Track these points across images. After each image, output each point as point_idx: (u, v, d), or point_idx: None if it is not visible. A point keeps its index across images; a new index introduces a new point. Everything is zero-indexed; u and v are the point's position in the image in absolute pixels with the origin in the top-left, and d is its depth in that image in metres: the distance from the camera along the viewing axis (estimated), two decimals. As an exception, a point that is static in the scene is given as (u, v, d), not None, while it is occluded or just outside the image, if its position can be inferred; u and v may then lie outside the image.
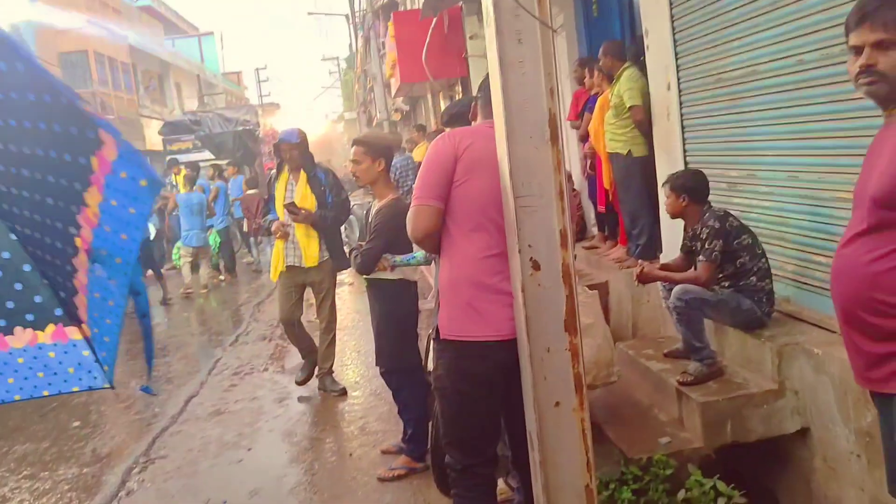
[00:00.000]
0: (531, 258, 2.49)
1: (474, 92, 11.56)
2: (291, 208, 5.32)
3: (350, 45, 47.59)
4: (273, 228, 5.57)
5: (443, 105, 17.53)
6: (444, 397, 2.75)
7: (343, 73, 60.43)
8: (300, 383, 5.84)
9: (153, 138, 26.42)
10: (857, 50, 1.97)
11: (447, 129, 5.69)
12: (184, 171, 12.44)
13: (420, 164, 9.51)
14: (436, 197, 2.63)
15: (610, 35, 7.57)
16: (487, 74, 3.00)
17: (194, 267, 11.24)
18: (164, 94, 33.59)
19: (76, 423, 5.71)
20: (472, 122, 3.02)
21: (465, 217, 2.63)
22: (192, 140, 21.88)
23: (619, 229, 6.51)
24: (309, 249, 5.46)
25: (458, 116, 3.72)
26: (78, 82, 24.00)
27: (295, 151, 5.51)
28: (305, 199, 5.44)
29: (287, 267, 5.56)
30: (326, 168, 5.87)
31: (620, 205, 6.27)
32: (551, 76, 2.46)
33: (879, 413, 2.09)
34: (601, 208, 6.74)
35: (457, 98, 15.45)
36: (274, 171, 5.83)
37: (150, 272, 11.46)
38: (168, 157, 20.64)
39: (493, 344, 2.59)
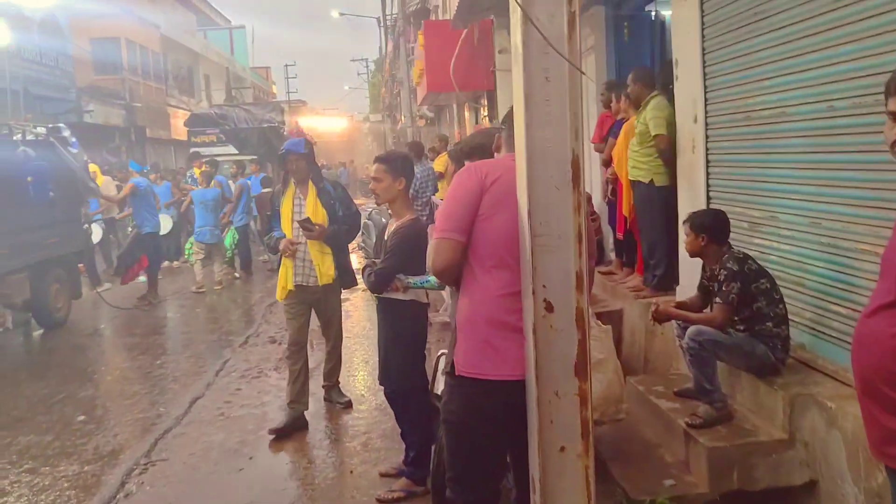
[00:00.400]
0: (545, 299, 2.45)
1: (500, 106, 11.51)
2: (307, 225, 5.01)
3: (379, 47, 47.81)
4: (282, 247, 5.18)
5: (468, 116, 17.52)
6: (452, 432, 2.72)
7: (371, 75, 60.70)
8: (274, 432, 5.08)
9: (179, 128, 26.63)
10: (895, 116, 1.92)
11: (450, 152, 5.92)
12: (204, 167, 12.46)
13: (440, 174, 9.42)
14: (459, 231, 2.58)
15: (639, 60, 7.53)
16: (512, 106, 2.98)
17: (206, 263, 11.26)
18: (193, 84, 33.81)
19: (81, 418, 5.72)
20: (496, 154, 2.98)
21: (487, 253, 2.58)
22: (216, 133, 21.99)
23: (637, 257, 6.46)
24: (323, 267, 5.17)
25: (480, 148, 3.68)
26: (108, 68, 24.23)
27: (302, 162, 5.19)
28: (316, 214, 5.12)
29: (295, 286, 5.22)
30: (335, 181, 5.62)
31: (639, 233, 6.22)
32: (577, 116, 2.43)
33: (893, 487, 2.03)
34: (620, 235, 6.69)
35: (482, 111, 15.43)
36: (279, 185, 5.50)
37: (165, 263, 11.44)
38: (191, 150, 20.79)
39: (507, 383, 2.54)
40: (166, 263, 12.85)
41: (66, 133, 9.86)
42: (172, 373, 6.89)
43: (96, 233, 12.31)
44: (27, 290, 8.51)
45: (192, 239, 11.66)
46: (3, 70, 15.82)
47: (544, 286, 2.45)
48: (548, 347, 2.45)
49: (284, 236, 5.20)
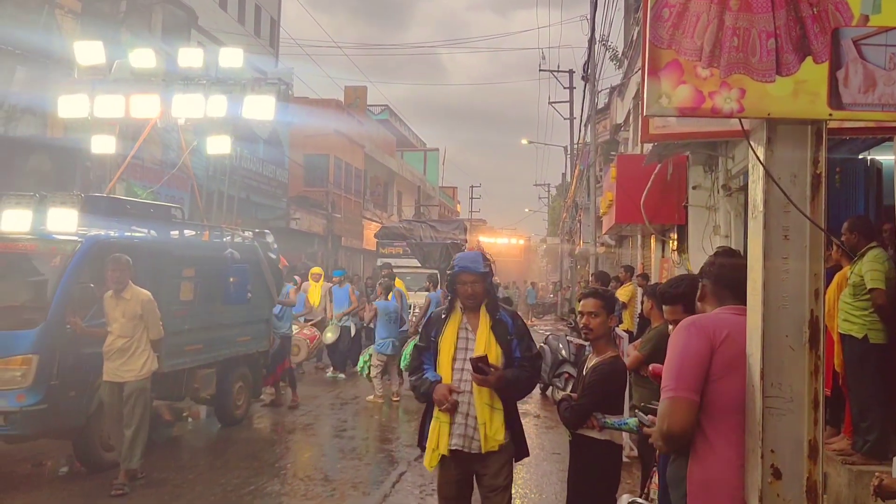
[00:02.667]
0: (772, 465, 2.33)
1: (690, 241, 11.20)
2: (481, 366, 3.84)
3: (563, 174, 49.00)
4: (437, 397, 3.95)
5: (654, 247, 17.31)
6: None
7: (552, 200, 61.96)
8: None
9: (370, 239, 28.39)
10: None
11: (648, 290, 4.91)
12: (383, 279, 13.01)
13: (624, 304, 9.29)
14: (694, 390, 2.49)
15: (851, 208, 7.19)
16: (716, 256, 2.94)
17: (383, 374, 11.50)
18: (387, 200, 36.15)
19: None
20: (698, 304, 2.90)
21: (723, 416, 2.48)
22: (403, 246, 23.05)
23: (846, 417, 5.95)
24: (492, 427, 3.92)
25: (680, 297, 3.66)
26: (316, 181, 26.56)
27: (478, 286, 4.05)
28: (489, 352, 3.96)
29: (451, 451, 3.97)
30: (513, 310, 4.36)
31: (850, 392, 5.77)
32: (818, 278, 2.37)
33: None
34: (827, 391, 6.21)
35: (670, 244, 15.22)
36: (441, 311, 4.28)
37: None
38: (379, 260, 21.98)
39: None
40: (350, 368, 13.36)
41: (270, 239, 10.68)
42: (352, 478, 7.07)
43: (333, 332, 13.04)
44: (213, 385, 8.77)
45: (370, 349, 11.77)
46: (224, 177, 17.78)
47: (772, 451, 2.34)
48: (774, 518, 2.31)
49: (440, 379, 4.03)
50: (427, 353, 4.16)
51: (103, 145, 9.71)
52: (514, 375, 3.98)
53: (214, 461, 7.66)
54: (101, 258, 6.66)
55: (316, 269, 14.04)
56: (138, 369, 6.42)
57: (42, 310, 6.46)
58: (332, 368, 13.67)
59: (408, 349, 12.00)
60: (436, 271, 17.96)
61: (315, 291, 13.84)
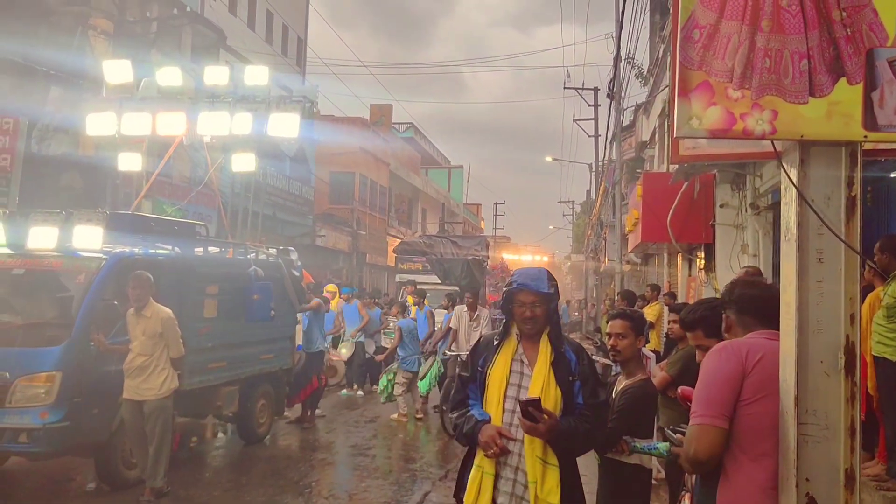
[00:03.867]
0: (808, 494, 2.27)
1: (717, 259, 11.06)
2: (532, 409, 3.10)
3: (588, 191, 48.88)
4: (484, 439, 3.20)
5: (681, 265, 17.16)
6: None
7: (577, 217, 61.82)
8: None
9: (394, 255, 28.46)
10: None
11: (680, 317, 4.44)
12: (408, 297, 12.96)
13: (651, 324, 9.16)
14: (723, 417, 2.45)
15: (883, 227, 7.07)
16: (733, 285, 2.89)
17: (406, 391, 11.40)
18: (411, 217, 36.27)
19: None
20: (725, 336, 2.83)
21: (754, 440, 2.44)
22: (422, 262, 22.67)
23: (880, 442, 5.81)
24: (543, 487, 3.18)
25: (699, 322, 3.59)
26: (342, 198, 26.73)
27: (540, 309, 3.32)
28: (547, 394, 3.24)
29: None
30: (578, 344, 3.55)
31: (884, 416, 5.64)
32: (854, 301, 2.31)
33: None
34: (862, 415, 6.07)
35: (697, 262, 15.07)
36: (493, 335, 3.55)
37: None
38: (397, 276, 21.81)
39: None
40: (371, 387, 13.32)
41: (294, 256, 10.68)
42: (376, 498, 7.03)
43: (348, 349, 13.05)
44: (236, 403, 8.77)
45: (393, 367, 11.47)
46: (249, 194, 17.93)
47: (807, 479, 2.28)
48: (810, 549, 2.25)
49: (489, 419, 3.29)
50: (472, 385, 3.43)
51: (130, 163, 9.84)
52: (570, 427, 3.21)
53: (239, 478, 7.66)
54: (124, 275, 6.71)
55: (330, 287, 13.97)
56: (158, 387, 6.43)
57: (67, 327, 6.52)
58: (350, 387, 13.63)
59: (432, 370, 11.60)
60: (456, 289, 17.77)
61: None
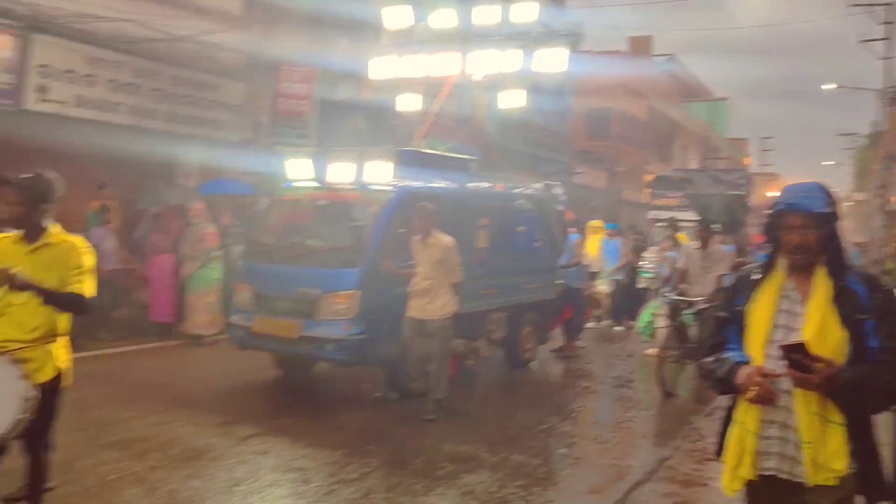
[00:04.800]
0: None
1: None
2: (798, 356, 2.54)
3: (875, 122, 43.33)
4: (742, 381, 2.68)
5: None
6: None
7: (860, 151, 55.30)
8: None
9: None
10: None
11: None
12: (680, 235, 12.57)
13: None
14: None
15: None
16: None
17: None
18: (670, 152, 34.86)
19: (563, 450, 6.30)
20: None
21: None
22: (678, 197, 21.52)
23: None
24: (824, 449, 2.60)
25: None
26: (598, 135, 26.44)
27: (812, 234, 2.70)
28: (825, 336, 2.63)
29: (762, 478, 2.73)
30: (870, 275, 2.89)
31: None
32: None
33: None
34: None
35: None
36: (755, 267, 2.93)
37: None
38: (650, 212, 20.93)
39: None
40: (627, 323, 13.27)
41: (559, 191, 10.83)
42: (641, 428, 7.14)
43: (607, 286, 13.19)
44: (504, 328, 9.28)
45: (653, 303, 10.94)
46: (512, 133, 18.31)
47: None
48: None
49: (748, 361, 2.76)
50: (731, 327, 2.88)
51: (409, 103, 10.57)
52: (860, 375, 2.57)
53: (509, 399, 8.16)
54: (410, 207, 7.32)
55: (595, 223, 14.00)
56: (440, 308, 7.01)
57: (362, 252, 7.31)
58: (613, 321, 13.70)
59: (645, 314, 10.88)
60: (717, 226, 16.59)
61: (593, 244, 13.88)
